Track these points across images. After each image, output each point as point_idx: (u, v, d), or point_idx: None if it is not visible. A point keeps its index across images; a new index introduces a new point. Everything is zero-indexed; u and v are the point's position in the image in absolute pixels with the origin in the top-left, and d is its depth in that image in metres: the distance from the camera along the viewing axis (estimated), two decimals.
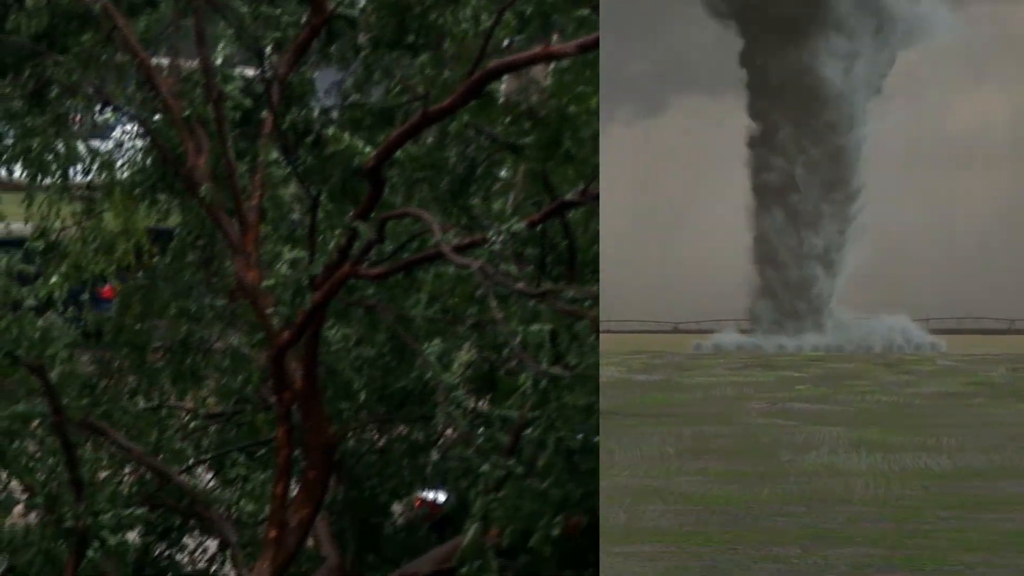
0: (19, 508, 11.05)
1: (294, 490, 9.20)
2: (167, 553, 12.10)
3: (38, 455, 9.98)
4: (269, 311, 8.60)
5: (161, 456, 10.64)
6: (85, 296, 10.04)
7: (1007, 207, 57.99)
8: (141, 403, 10.93)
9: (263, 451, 10.89)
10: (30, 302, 9.14)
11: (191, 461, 11.29)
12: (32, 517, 10.91)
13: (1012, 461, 17.84)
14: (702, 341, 50.49)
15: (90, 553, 9.90)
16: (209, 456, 11.45)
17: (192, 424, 11.54)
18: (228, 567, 11.90)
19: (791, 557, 12.14)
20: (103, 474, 10.56)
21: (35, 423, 9.82)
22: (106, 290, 10.74)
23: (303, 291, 8.35)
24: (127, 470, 11.01)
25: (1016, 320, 52.79)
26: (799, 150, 55.22)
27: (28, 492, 10.52)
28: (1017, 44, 58.50)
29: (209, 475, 11.56)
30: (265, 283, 8.56)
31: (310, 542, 10.14)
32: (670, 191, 62.10)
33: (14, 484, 10.84)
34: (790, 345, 50.30)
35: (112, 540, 9.87)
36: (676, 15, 58.34)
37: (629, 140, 58.75)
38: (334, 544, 10.38)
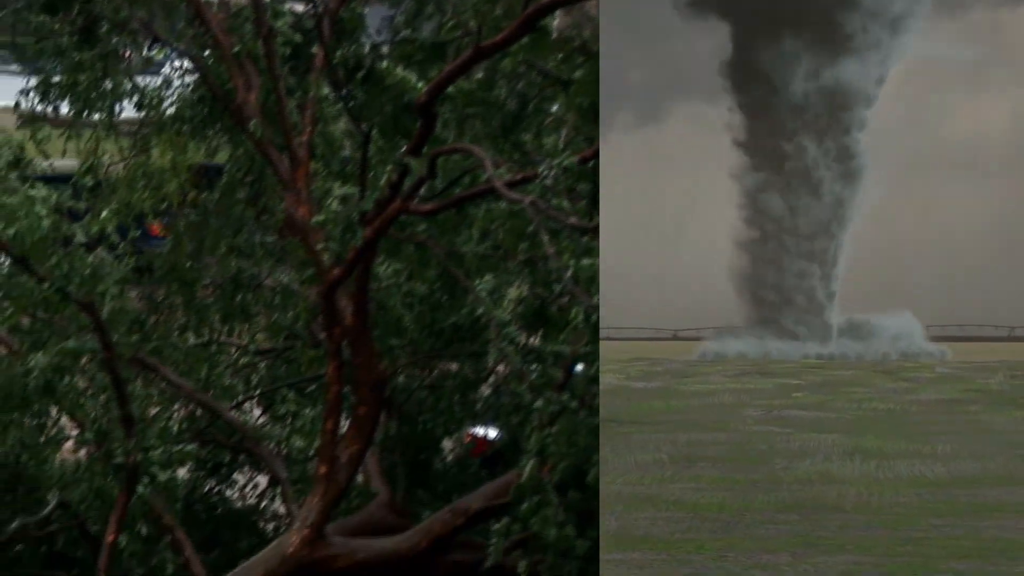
0: (70, 444, 11.15)
1: (344, 426, 9.29)
2: (217, 489, 12.22)
3: (88, 391, 10.11)
4: (319, 247, 8.73)
5: (211, 392, 10.76)
6: (135, 233, 10.09)
7: (1006, 214, 57.96)
8: (191, 339, 11.04)
9: (313, 387, 10.99)
10: (80, 239, 9.27)
11: (241, 397, 11.38)
12: (83, 453, 11.02)
13: (1007, 469, 18.00)
14: (705, 347, 50.52)
15: (140, 489, 9.96)
16: (259, 392, 11.53)
17: (242, 360, 11.62)
18: (278, 503, 11.97)
19: (781, 564, 12.25)
20: (153, 410, 10.72)
21: (85, 359, 9.97)
22: (155, 227, 10.78)
23: (354, 227, 8.46)
24: (177, 406, 11.12)
25: (1016, 328, 52.82)
26: (796, 157, 55.29)
27: (79, 428, 10.62)
28: (1016, 52, 58.44)
29: (259, 411, 11.62)
30: (315, 219, 8.66)
31: (360, 478, 10.18)
32: (670, 198, 62.11)
33: (65, 420, 10.93)
34: (794, 352, 50.21)
35: (162, 476, 9.91)
36: (676, 23, 58.36)
37: (628, 147, 58.75)
38: (384, 480, 10.41)
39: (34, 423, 10.93)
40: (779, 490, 16.15)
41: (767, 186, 56.70)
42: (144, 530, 10.89)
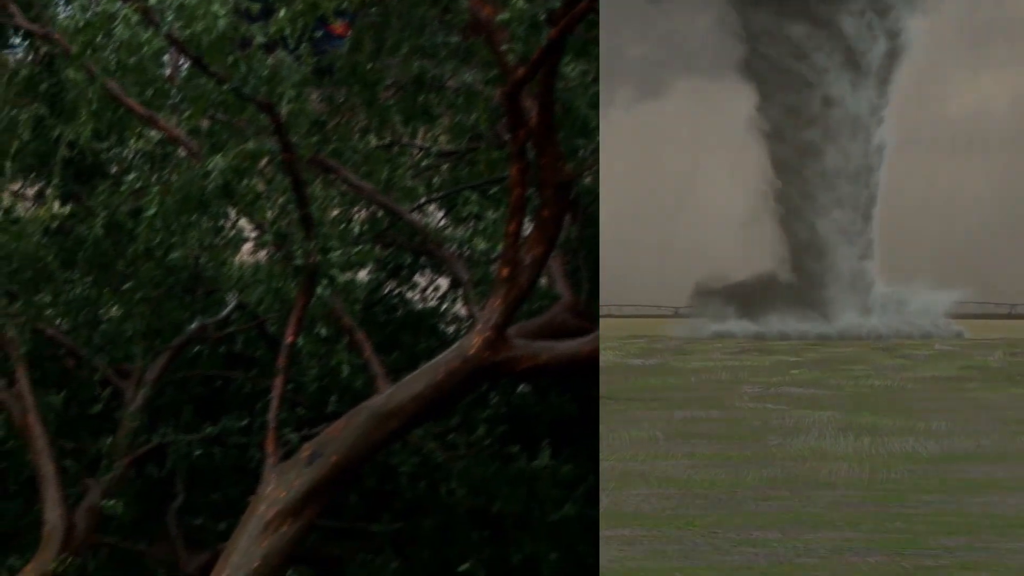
0: (248, 246, 11.02)
1: (527, 228, 9.07)
2: (397, 291, 12.10)
3: (268, 193, 9.87)
4: (504, 47, 8.48)
5: (392, 194, 10.49)
6: (315, 34, 9.80)
7: (1007, 191, 57.86)
8: (372, 141, 10.76)
9: (496, 189, 10.76)
10: (260, 40, 9.04)
11: (422, 199, 11.17)
12: (262, 255, 10.91)
13: (1000, 446, 18.01)
14: (707, 325, 50.41)
15: (319, 291, 9.82)
16: (441, 194, 11.29)
17: (424, 162, 11.38)
18: (459, 306, 11.86)
19: (771, 541, 12.24)
20: (333, 212, 10.54)
21: (265, 161, 9.74)
22: (336, 27, 10.52)
23: (540, 26, 8.21)
24: (358, 208, 10.97)
25: (1016, 305, 52.73)
26: (799, 129, 55.15)
27: (258, 230, 10.51)
28: (1018, 27, 58.24)
29: (441, 213, 11.41)
30: (500, 17, 8.43)
31: (543, 281, 9.99)
32: (670, 175, 62.02)
33: (243, 223, 10.80)
34: (810, 331, 49.89)
35: (341, 278, 9.74)
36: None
37: (628, 123, 58.63)
38: (567, 283, 10.25)
39: (213, 225, 10.66)
40: (771, 467, 16.17)
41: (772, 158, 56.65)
42: (323, 331, 10.78)
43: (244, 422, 13.20)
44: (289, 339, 10.16)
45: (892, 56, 57.40)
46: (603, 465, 15.42)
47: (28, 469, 13.87)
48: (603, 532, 12.39)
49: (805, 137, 57.22)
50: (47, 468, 13.46)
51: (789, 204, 57.16)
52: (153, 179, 10.29)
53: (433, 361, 9.59)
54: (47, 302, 12.50)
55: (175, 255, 11.00)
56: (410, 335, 12.11)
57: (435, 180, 11.41)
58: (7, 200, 11.48)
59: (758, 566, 11.49)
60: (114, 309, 12.75)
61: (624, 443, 17.97)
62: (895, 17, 57.05)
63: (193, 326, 13.05)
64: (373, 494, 12.44)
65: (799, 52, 55.91)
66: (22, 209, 12.02)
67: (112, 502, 13.12)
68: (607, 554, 11.76)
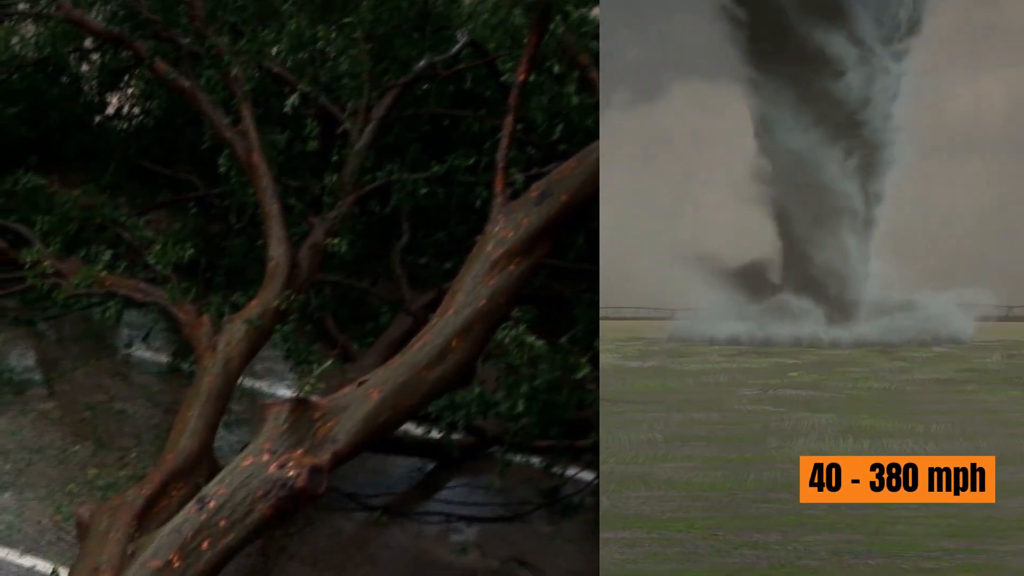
0: None
1: None
2: None
3: None
4: None
5: None
6: None
7: (1005, 194, 57.83)
8: None
9: None
10: None
11: None
12: None
13: (998, 448, 17.96)
14: (705, 328, 50.22)
15: (552, 27, 9.65)
16: None
17: None
18: None
19: (771, 543, 12.30)
20: None
21: None
22: None
23: None
24: None
25: (1014, 307, 52.68)
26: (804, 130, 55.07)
27: None
28: (1016, 30, 58.22)
29: None
30: None
31: None
32: (669, 177, 61.97)
33: None
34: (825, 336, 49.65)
35: (575, 15, 9.59)
36: (675, 1, 58.16)
37: (627, 125, 58.61)
38: None
39: None
40: (771, 469, 16.18)
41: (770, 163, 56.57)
42: (556, 68, 10.62)
43: (471, 161, 13.05)
44: (520, 77, 10.00)
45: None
46: (603, 468, 15.44)
47: (252, 207, 13.74)
48: (604, 534, 12.42)
49: (804, 141, 57.23)
50: (271, 206, 13.38)
51: (787, 207, 57.13)
52: None
53: None
54: (271, 39, 12.33)
55: None
56: None
57: None
58: None
59: (759, 568, 11.51)
60: (338, 45, 12.59)
61: (624, 445, 17.99)
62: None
63: (421, 64, 12.83)
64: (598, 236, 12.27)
65: (800, 55, 55.93)
66: None
67: (336, 240, 12.99)
68: (608, 556, 11.79)
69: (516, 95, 10.23)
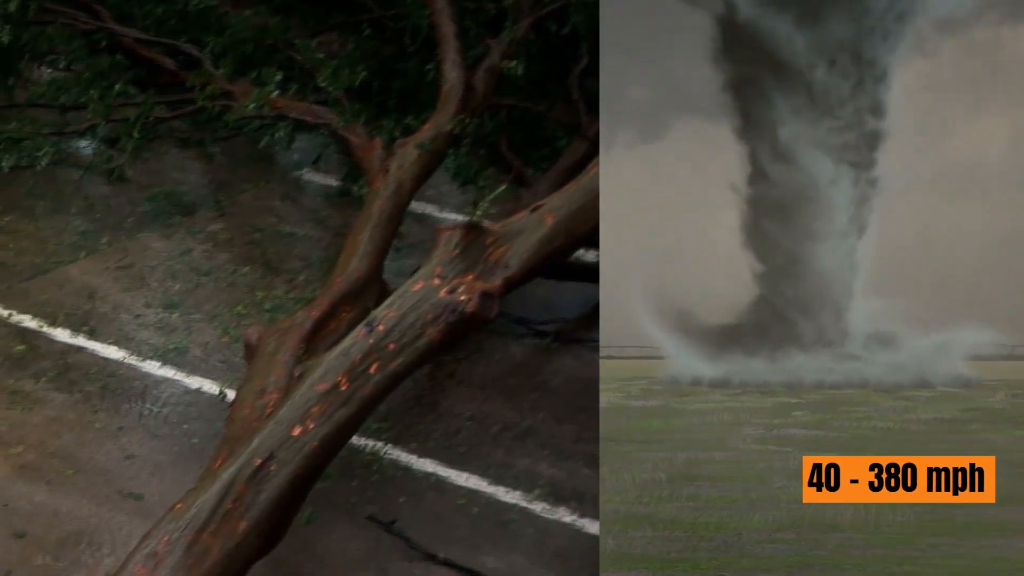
0: None
1: None
2: None
3: None
4: None
5: None
6: None
7: (1007, 233, 57.80)
8: None
9: None
10: None
11: None
12: None
13: (1005, 488, 17.80)
14: (706, 368, 50.05)
15: None
16: None
17: None
18: None
19: None
20: None
21: None
22: None
23: None
24: None
25: (1016, 346, 52.51)
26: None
27: None
28: (1017, 71, 58.33)
29: None
30: None
31: None
32: (671, 216, 61.94)
33: None
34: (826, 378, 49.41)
35: None
36: (677, 41, 58.31)
37: (630, 164, 58.66)
38: None
39: None
40: (776, 509, 16.10)
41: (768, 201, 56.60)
42: None
43: None
44: None
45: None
46: (607, 507, 15.39)
47: (427, 28, 13.55)
48: (610, 574, 12.35)
49: (800, 179, 57.31)
50: (447, 27, 13.23)
51: (788, 248, 57.12)
52: None
53: None
54: None
55: None
56: None
57: None
58: None
59: None
60: None
61: (628, 485, 17.89)
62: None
63: None
64: None
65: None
66: None
67: (512, 63, 12.83)
68: None
69: None
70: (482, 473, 14.43)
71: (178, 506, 11.06)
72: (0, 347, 15.64)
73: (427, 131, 13.35)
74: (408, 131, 13.67)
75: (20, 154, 18.29)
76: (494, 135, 14.56)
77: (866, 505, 16.21)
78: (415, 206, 14.95)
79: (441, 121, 13.28)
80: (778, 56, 51.79)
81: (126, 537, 12.68)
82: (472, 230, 11.16)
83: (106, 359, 15.31)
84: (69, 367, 15.28)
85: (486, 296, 10.81)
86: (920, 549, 13.65)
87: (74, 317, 16.23)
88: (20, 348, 15.59)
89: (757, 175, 57.19)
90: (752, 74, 56.08)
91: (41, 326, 15.93)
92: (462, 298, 10.82)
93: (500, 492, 14.23)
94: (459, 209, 16.18)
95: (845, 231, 54.24)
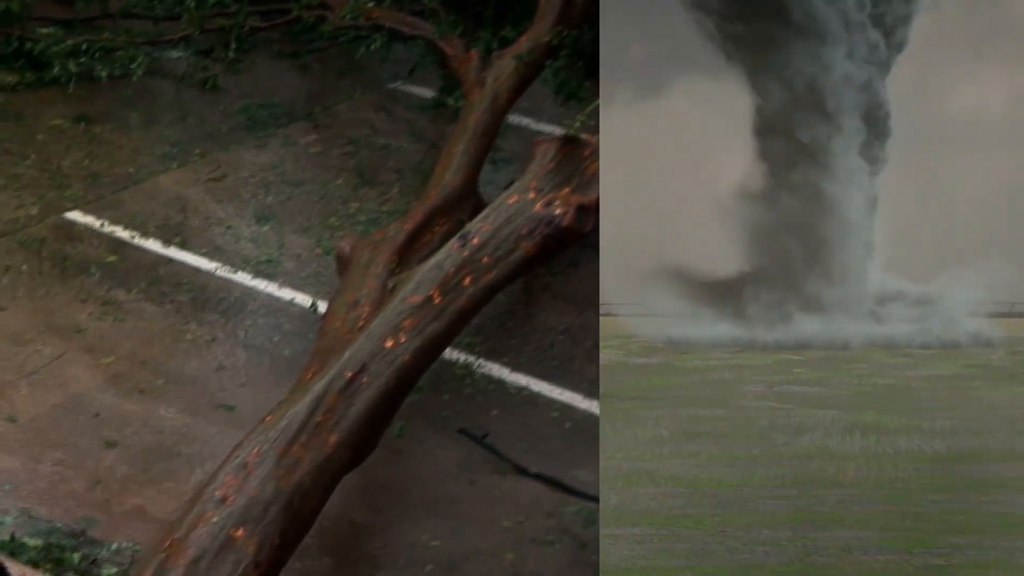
0: None
1: None
2: None
3: None
4: None
5: None
6: None
7: (1008, 190, 57.76)
8: None
9: None
10: None
11: None
12: None
13: (1005, 444, 17.89)
14: (706, 326, 50.04)
15: None
16: None
17: None
18: None
19: (780, 540, 12.20)
20: None
21: None
22: None
23: None
24: None
25: (1016, 303, 52.55)
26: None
27: None
28: (1018, 27, 58.14)
29: None
30: None
31: None
32: (671, 173, 61.85)
33: None
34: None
35: None
36: None
37: (629, 122, 58.50)
38: None
39: None
40: (778, 466, 16.11)
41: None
42: None
43: None
44: None
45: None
46: (608, 464, 15.41)
47: None
48: (611, 530, 12.39)
49: (805, 136, 57.16)
50: None
51: (789, 203, 57.04)
52: None
53: None
54: None
55: None
56: None
57: None
58: None
59: (769, 565, 11.47)
60: None
61: (629, 442, 17.91)
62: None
63: None
64: None
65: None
66: None
67: None
68: (616, 553, 11.75)
69: None
70: (575, 387, 14.47)
71: (269, 418, 10.99)
72: (92, 257, 15.56)
73: (524, 43, 13.24)
74: (505, 43, 13.56)
75: (114, 64, 18.26)
76: (592, 47, 14.34)
77: (867, 462, 16.30)
78: (511, 118, 14.88)
79: (539, 32, 13.15)
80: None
81: (216, 448, 12.66)
82: (569, 143, 11.07)
83: (197, 270, 15.27)
84: (160, 278, 15.26)
85: (582, 210, 10.74)
86: (922, 505, 13.67)
87: (166, 228, 16.18)
88: (112, 258, 15.56)
89: (764, 128, 57.14)
90: (761, 26, 55.86)
91: (133, 237, 15.87)
92: (558, 211, 10.76)
93: (594, 407, 14.28)
94: (556, 121, 16.08)
95: (856, 187, 54.21)
